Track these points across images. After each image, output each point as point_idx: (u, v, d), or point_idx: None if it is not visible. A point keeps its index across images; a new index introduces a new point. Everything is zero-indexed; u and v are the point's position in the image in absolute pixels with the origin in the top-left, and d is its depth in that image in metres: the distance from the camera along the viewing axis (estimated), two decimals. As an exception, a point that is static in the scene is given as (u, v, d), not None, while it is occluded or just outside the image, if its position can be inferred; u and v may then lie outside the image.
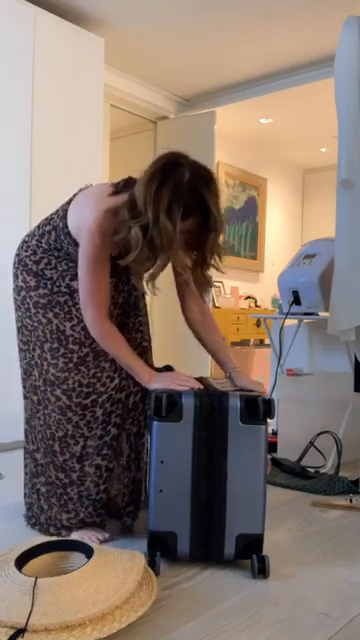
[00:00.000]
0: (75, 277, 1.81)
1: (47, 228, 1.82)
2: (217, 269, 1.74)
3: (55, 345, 1.79)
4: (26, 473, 1.93)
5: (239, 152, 6.03)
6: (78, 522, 1.79)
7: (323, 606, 1.44)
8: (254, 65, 4.20)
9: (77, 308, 1.81)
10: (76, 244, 1.75)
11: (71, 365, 1.78)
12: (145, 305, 1.99)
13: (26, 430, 1.91)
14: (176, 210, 1.53)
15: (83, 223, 1.68)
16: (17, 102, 3.10)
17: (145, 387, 1.74)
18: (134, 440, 1.83)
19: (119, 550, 1.50)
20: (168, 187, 1.53)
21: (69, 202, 1.81)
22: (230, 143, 5.83)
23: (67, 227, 1.76)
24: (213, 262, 1.72)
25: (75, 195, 1.82)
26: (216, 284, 5.66)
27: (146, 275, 1.67)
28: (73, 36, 3.37)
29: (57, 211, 1.84)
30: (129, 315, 1.89)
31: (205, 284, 1.81)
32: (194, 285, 1.82)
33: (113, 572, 1.36)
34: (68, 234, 1.76)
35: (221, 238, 1.67)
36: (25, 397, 1.90)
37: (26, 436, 1.92)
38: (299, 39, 3.78)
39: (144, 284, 1.70)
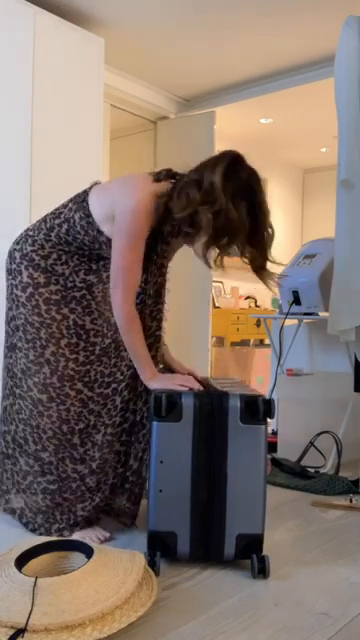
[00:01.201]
0: (90, 271, 1.84)
1: (57, 221, 1.82)
2: (274, 262, 1.88)
3: (74, 340, 1.81)
4: (15, 478, 1.87)
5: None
6: (92, 508, 1.80)
7: (323, 606, 1.44)
8: (254, 65, 4.20)
9: (97, 302, 1.85)
10: (100, 233, 1.77)
11: (93, 357, 1.82)
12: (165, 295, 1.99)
13: (24, 431, 1.83)
14: (240, 204, 1.67)
15: (122, 206, 1.70)
16: (17, 102, 3.10)
17: (145, 384, 1.76)
18: (135, 431, 1.85)
19: (119, 550, 1.50)
20: (233, 182, 1.67)
21: (83, 196, 1.81)
22: (230, 143, 5.80)
23: (90, 216, 1.77)
24: (269, 257, 1.84)
25: (89, 189, 1.84)
26: (216, 284, 5.66)
27: (209, 257, 1.78)
28: (73, 36, 3.38)
29: (66, 205, 1.84)
30: (149, 302, 1.88)
31: (268, 276, 1.88)
32: (261, 280, 1.90)
33: (113, 572, 1.36)
34: (90, 223, 1.77)
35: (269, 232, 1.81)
36: (21, 397, 1.83)
37: (23, 438, 1.84)
38: (299, 39, 3.78)
39: (211, 262, 1.80)
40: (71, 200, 1.85)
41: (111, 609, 1.24)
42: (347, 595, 1.50)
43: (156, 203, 1.72)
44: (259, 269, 1.83)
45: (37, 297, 1.82)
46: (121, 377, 1.82)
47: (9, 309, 1.88)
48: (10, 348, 1.88)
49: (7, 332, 1.90)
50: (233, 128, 5.49)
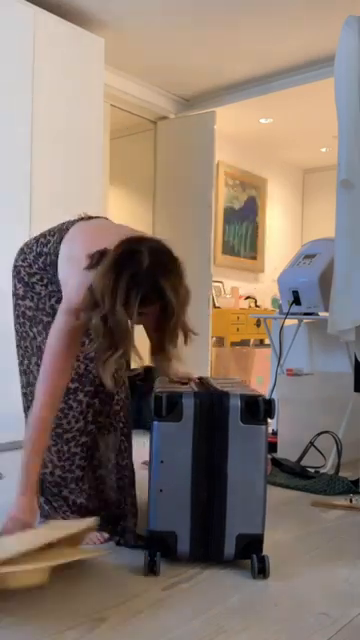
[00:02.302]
0: (60, 300, 1.71)
1: (45, 250, 1.78)
2: (184, 342, 1.63)
3: (39, 362, 1.75)
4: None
5: (239, 152, 6.03)
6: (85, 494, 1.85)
7: (323, 606, 1.44)
8: (254, 65, 4.20)
9: None
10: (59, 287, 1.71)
11: None
12: None
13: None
14: (134, 299, 1.44)
15: (64, 292, 1.63)
16: (17, 102, 3.09)
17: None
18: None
19: (73, 521, 1.71)
20: (125, 277, 1.43)
21: (64, 232, 1.74)
22: (230, 143, 5.82)
23: (57, 265, 1.72)
24: (175, 340, 1.61)
25: (68, 228, 1.75)
26: (216, 284, 5.66)
27: (105, 369, 1.52)
28: (73, 36, 3.37)
29: (53, 234, 1.78)
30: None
31: (168, 359, 1.67)
32: (160, 360, 1.72)
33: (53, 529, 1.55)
34: (56, 272, 1.72)
35: (182, 317, 1.57)
36: (24, 395, 1.93)
37: None
38: (299, 39, 3.78)
39: (107, 377, 1.53)
40: (58, 229, 1.79)
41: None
42: (347, 595, 1.50)
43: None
44: (160, 354, 1.66)
45: (18, 308, 1.87)
46: (67, 426, 1.83)
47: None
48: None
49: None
50: (233, 128, 5.49)
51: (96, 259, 1.54)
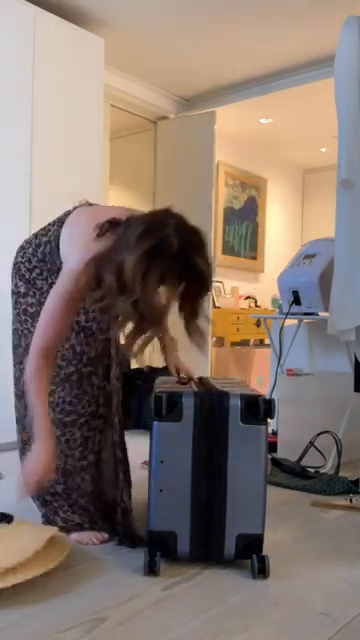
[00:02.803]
0: None
1: (44, 239, 1.80)
2: (207, 318, 1.64)
3: None
4: None
5: (239, 152, 6.03)
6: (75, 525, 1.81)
7: (323, 606, 1.44)
8: (254, 65, 4.20)
9: None
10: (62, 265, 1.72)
11: (57, 380, 1.80)
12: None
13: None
14: (169, 282, 1.47)
15: (66, 265, 1.64)
16: (17, 102, 3.09)
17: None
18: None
19: (36, 525, 1.69)
20: (158, 264, 1.44)
21: (65, 217, 1.75)
22: (230, 143, 5.82)
23: (59, 248, 1.73)
24: (202, 311, 1.61)
25: (70, 212, 1.76)
26: (216, 284, 5.66)
27: (135, 348, 1.55)
28: (73, 36, 3.37)
29: (54, 223, 1.79)
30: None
31: (197, 334, 1.64)
32: (191, 338, 1.66)
33: (17, 541, 1.52)
34: (59, 256, 1.73)
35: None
36: (19, 398, 1.89)
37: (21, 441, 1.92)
38: (299, 39, 3.78)
39: (132, 351, 1.56)
40: (59, 218, 1.80)
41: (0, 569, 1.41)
42: (347, 595, 1.50)
43: (94, 267, 1.55)
44: (188, 327, 1.61)
45: (19, 306, 1.86)
46: (82, 411, 1.82)
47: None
48: (13, 349, 1.93)
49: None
50: (233, 128, 5.49)
51: (106, 227, 1.56)
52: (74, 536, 1.78)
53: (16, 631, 1.30)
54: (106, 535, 1.80)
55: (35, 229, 3.07)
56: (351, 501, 2.23)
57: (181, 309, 1.60)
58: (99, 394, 1.86)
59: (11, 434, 3.02)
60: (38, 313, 1.80)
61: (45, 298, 1.78)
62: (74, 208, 1.80)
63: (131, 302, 1.44)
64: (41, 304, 1.80)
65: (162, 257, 1.44)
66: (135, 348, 1.53)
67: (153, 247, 1.43)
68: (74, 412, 1.82)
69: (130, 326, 1.51)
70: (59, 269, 1.75)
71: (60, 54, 3.30)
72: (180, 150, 4.75)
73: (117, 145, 4.82)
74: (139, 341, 1.53)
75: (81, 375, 1.82)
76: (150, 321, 1.50)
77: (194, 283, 1.52)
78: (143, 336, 1.52)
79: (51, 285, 1.79)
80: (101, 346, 1.86)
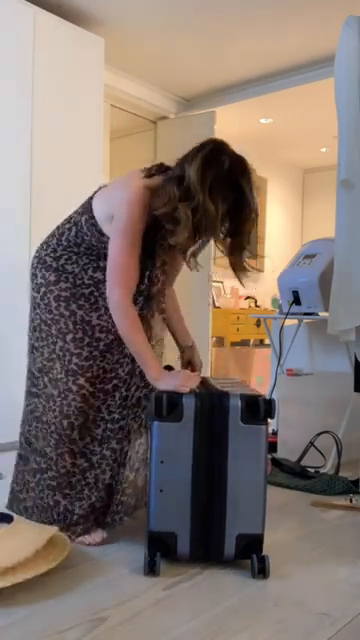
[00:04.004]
0: (98, 268, 1.86)
1: (67, 226, 1.88)
2: (252, 254, 1.84)
3: (79, 335, 1.83)
4: (26, 477, 1.91)
5: (239, 152, 6.03)
6: (88, 507, 1.79)
7: (323, 606, 1.44)
8: (254, 65, 4.20)
9: (103, 298, 1.85)
10: (101, 234, 1.80)
11: (96, 353, 1.83)
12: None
13: (36, 428, 1.88)
14: (219, 196, 1.67)
15: (118, 200, 1.74)
16: (17, 102, 3.09)
17: (151, 383, 1.75)
18: (132, 439, 1.83)
19: (35, 524, 1.70)
20: (213, 174, 1.67)
21: (90, 199, 1.86)
22: (230, 143, 5.82)
23: (93, 218, 1.81)
24: (248, 246, 1.81)
25: (95, 192, 1.88)
26: (216, 284, 5.65)
27: (189, 252, 1.78)
28: (73, 36, 3.37)
29: (76, 210, 1.89)
30: (151, 304, 1.89)
31: (243, 269, 1.85)
32: (234, 271, 1.88)
33: (17, 540, 1.54)
34: (93, 225, 1.80)
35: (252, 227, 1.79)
36: (37, 395, 1.89)
37: (34, 435, 1.89)
38: (299, 39, 3.78)
39: (187, 260, 1.80)
40: (82, 204, 1.90)
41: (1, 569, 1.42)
42: (347, 595, 1.50)
43: (148, 195, 1.73)
44: (234, 261, 1.83)
45: (48, 295, 1.87)
46: (122, 373, 1.85)
47: (30, 315, 1.94)
48: (30, 350, 1.93)
49: (28, 336, 1.95)
50: (233, 128, 5.49)
51: (155, 169, 1.78)
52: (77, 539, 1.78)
53: (16, 631, 1.30)
54: (105, 535, 1.79)
55: (35, 229, 3.10)
56: (351, 501, 2.23)
57: (229, 241, 1.79)
58: (129, 379, 1.87)
59: (11, 434, 3.02)
60: (74, 295, 1.86)
61: (80, 278, 1.87)
62: (100, 187, 1.91)
63: (191, 208, 1.65)
64: (77, 285, 1.86)
65: (216, 169, 1.67)
66: (189, 255, 1.77)
67: (209, 157, 1.69)
68: (115, 377, 1.84)
69: (189, 234, 1.68)
70: (88, 247, 1.85)
71: (60, 54, 3.30)
72: (180, 150, 4.70)
73: (117, 145, 4.82)
74: (191, 248, 1.76)
75: (120, 340, 1.81)
76: (206, 228, 1.69)
77: (239, 208, 1.71)
78: (198, 244, 1.76)
79: (84, 266, 1.87)
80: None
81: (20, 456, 1.95)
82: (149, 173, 1.77)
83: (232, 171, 1.69)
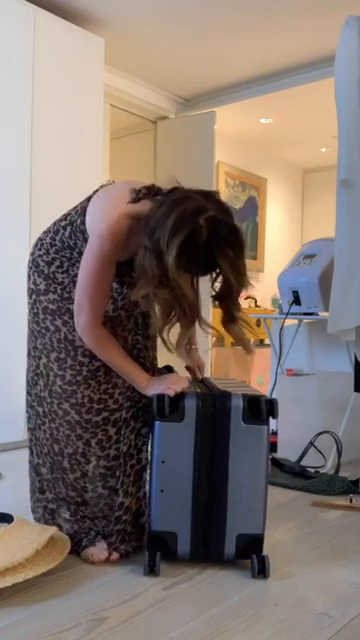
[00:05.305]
0: None
1: (63, 223, 1.74)
2: (246, 322, 1.68)
3: (62, 355, 1.70)
4: (32, 488, 1.84)
5: (239, 152, 6.03)
6: (95, 536, 1.72)
7: (323, 606, 1.44)
8: (254, 65, 4.20)
9: None
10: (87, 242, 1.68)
11: (80, 378, 1.69)
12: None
13: (31, 441, 1.82)
14: (193, 270, 1.52)
15: (95, 225, 1.60)
16: (17, 102, 3.09)
17: (143, 394, 1.68)
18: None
19: (36, 524, 1.68)
20: (188, 250, 1.45)
21: (89, 199, 1.71)
22: (230, 143, 5.82)
23: (84, 224, 1.66)
24: (239, 315, 1.65)
25: (96, 191, 1.72)
26: (216, 284, 5.65)
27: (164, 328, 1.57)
28: (73, 36, 3.37)
29: (75, 207, 1.74)
30: (133, 315, 1.81)
31: (242, 336, 1.70)
32: (236, 340, 1.73)
33: (18, 540, 1.53)
34: (83, 232, 1.67)
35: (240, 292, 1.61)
36: (30, 406, 1.82)
37: (30, 448, 1.83)
38: (299, 39, 3.78)
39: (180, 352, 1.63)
40: (81, 203, 1.76)
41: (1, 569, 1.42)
42: (347, 595, 1.50)
43: (128, 225, 1.58)
44: (227, 323, 1.67)
45: (37, 305, 1.76)
46: (114, 406, 1.72)
47: (28, 314, 1.85)
48: (27, 354, 1.86)
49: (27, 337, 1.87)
50: (233, 128, 5.49)
51: (143, 192, 1.59)
52: (83, 552, 1.70)
53: (16, 631, 1.30)
54: (116, 555, 1.69)
55: (35, 229, 3.10)
56: (351, 501, 2.23)
57: (221, 310, 1.66)
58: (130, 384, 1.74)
59: (11, 434, 3.03)
60: (60, 308, 1.73)
61: (68, 292, 1.73)
62: (101, 186, 1.75)
63: (172, 295, 1.48)
64: (64, 299, 1.73)
65: (195, 250, 1.46)
66: (172, 341, 1.58)
67: (189, 238, 1.44)
68: (105, 409, 1.71)
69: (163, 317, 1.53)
70: (80, 252, 1.70)
71: (60, 54, 3.30)
72: (180, 150, 4.75)
73: (117, 145, 4.82)
74: (172, 335, 1.57)
75: (108, 369, 1.70)
76: (188, 313, 1.53)
77: (224, 281, 1.55)
78: (177, 328, 1.56)
79: (73, 278, 1.73)
80: (130, 336, 1.79)
81: (29, 462, 1.87)
82: (137, 196, 1.58)
83: (208, 245, 1.47)
